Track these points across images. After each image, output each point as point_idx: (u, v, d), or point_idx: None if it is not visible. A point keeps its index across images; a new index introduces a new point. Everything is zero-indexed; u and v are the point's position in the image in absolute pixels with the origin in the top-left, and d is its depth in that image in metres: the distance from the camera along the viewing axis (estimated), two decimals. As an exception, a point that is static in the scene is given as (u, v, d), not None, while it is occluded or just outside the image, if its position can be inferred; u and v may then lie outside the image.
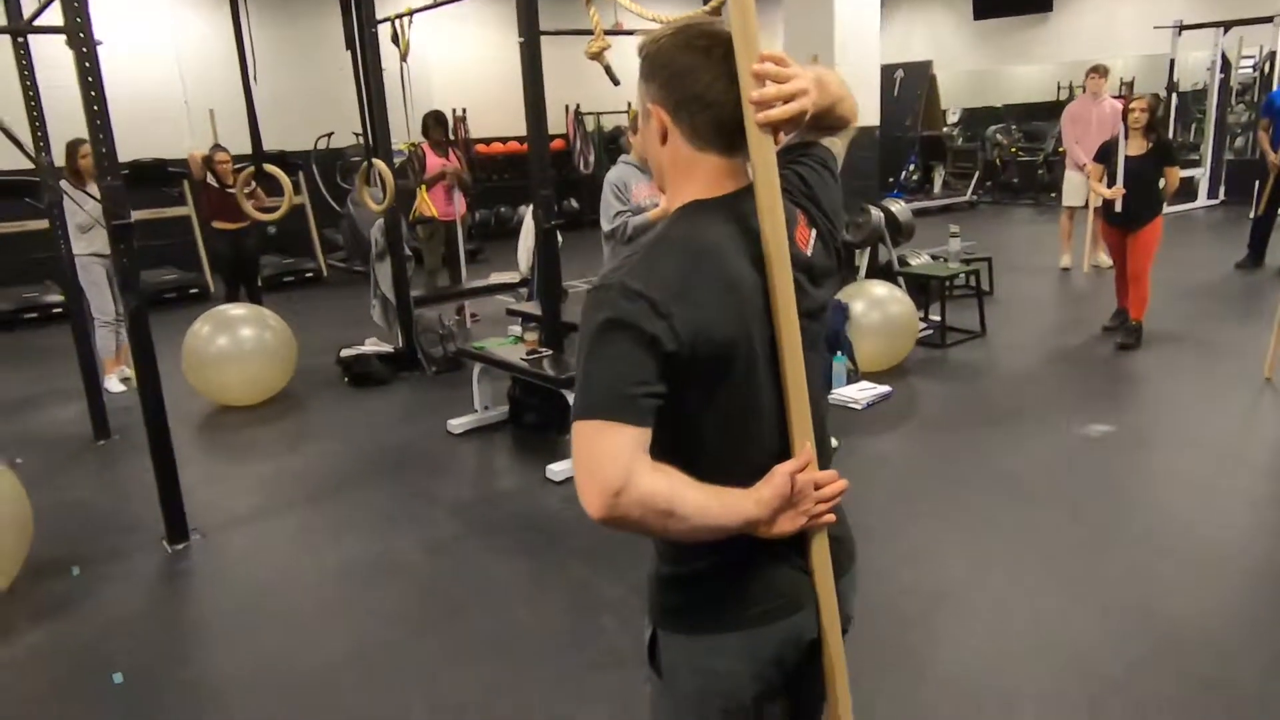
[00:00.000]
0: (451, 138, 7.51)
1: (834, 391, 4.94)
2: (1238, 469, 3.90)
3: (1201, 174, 11.36)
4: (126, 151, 3.53)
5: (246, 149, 5.18)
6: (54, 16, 3.42)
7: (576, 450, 1.10)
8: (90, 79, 3.21)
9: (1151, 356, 5.48)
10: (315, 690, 2.69)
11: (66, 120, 4.70)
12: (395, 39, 5.49)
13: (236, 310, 5.68)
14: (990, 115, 14.60)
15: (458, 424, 4.86)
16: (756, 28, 1.12)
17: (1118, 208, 5.61)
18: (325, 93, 9.71)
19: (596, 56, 4.35)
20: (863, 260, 6.46)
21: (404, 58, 5.52)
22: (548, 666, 2.73)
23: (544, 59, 4.44)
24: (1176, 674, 2.54)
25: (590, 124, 12.61)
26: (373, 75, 5.63)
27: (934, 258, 6.79)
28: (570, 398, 3.88)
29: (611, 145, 12.28)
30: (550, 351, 4.62)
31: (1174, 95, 10.93)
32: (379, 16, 5.67)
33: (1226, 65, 11.15)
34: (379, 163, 5.59)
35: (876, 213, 6.24)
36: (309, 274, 9.85)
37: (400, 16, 5.50)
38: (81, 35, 3.18)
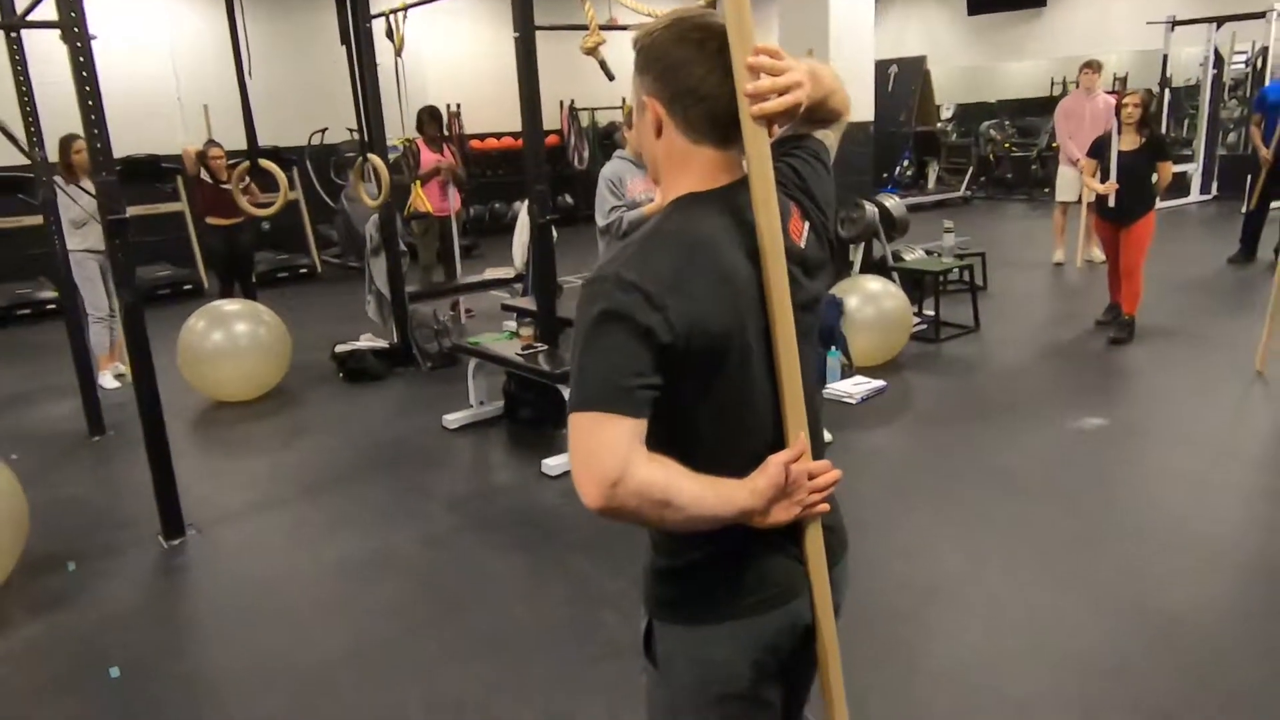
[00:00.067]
0: (446, 133, 7.50)
1: (828, 386, 4.96)
2: (1230, 462, 3.92)
3: (1194, 169, 11.39)
4: (120, 147, 3.53)
5: (240, 145, 5.17)
6: (48, 11, 3.41)
7: (573, 442, 1.11)
8: (85, 74, 3.21)
9: (1144, 350, 5.51)
10: (312, 685, 2.69)
11: (60, 116, 4.69)
12: (390, 34, 5.48)
13: (231, 306, 5.67)
14: (984, 111, 14.62)
15: (453, 419, 4.86)
16: (751, 21, 1.13)
17: (1111, 203, 5.64)
18: (319, 88, 9.70)
19: (592, 51, 4.36)
20: (857, 255, 6.47)
21: (399, 52, 5.51)
22: (546, 660, 2.74)
23: (538, 54, 4.43)
24: (1169, 667, 2.55)
25: (585, 119, 12.60)
26: (368, 70, 5.63)
27: (928, 253, 6.81)
28: (566, 392, 3.87)
29: (606, 141, 12.27)
30: (546, 346, 4.62)
31: (1167, 91, 10.95)
32: (373, 11, 5.66)
33: (1219, 61, 11.18)
34: (374, 158, 5.59)
35: (871, 208, 6.25)
36: (303, 270, 9.84)
37: (395, 11, 5.50)
38: (76, 30, 3.18)
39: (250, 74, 4.86)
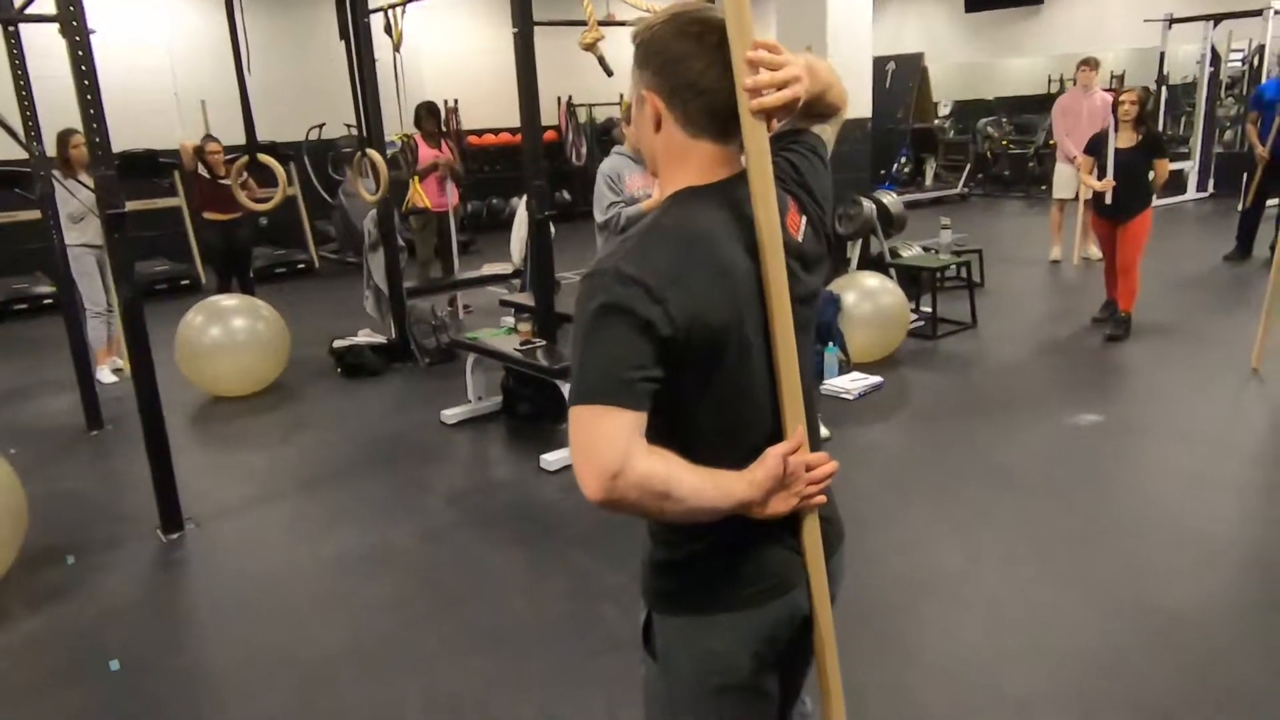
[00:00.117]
0: (444, 129, 7.50)
1: (826, 382, 4.97)
2: (1226, 458, 3.94)
3: (1191, 167, 11.42)
4: (117, 143, 3.52)
5: (237, 140, 5.17)
6: (46, 5, 3.41)
7: (574, 434, 1.12)
8: (84, 68, 3.20)
9: (1140, 347, 5.53)
10: (311, 679, 2.70)
11: (57, 111, 4.69)
12: (388, 29, 5.48)
13: (229, 301, 5.67)
14: (981, 108, 14.64)
15: (451, 414, 4.87)
16: (750, 16, 1.14)
17: (1108, 200, 5.65)
18: (316, 84, 9.68)
19: (590, 47, 4.37)
20: (854, 252, 6.48)
21: (397, 48, 5.51)
22: (545, 655, 2.74)
23: (536, 50, 4.44)
24: (1167, 664, 2.56)
25: (582, 116, 12.60)
26: (367, 65, 5.63)
27: (925, 249, 6.82)
28: (564, 388, 3.86)
29: (604, 137, 12.27)
30: (544, 342, 4.63)
31: (1164, 88, 10.98)
32: (372, 6, 5.66)
33: (1216, 58, 11.20)
34: (373, 152, 5.59)
35: (868, 205, 6.26)
36: (300, 265, 9.83)
37: (393, 6, 5.50)
38: (75, 24, 3.18)
39: (250, 69, 4.86)
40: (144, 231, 8.66)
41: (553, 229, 4.94)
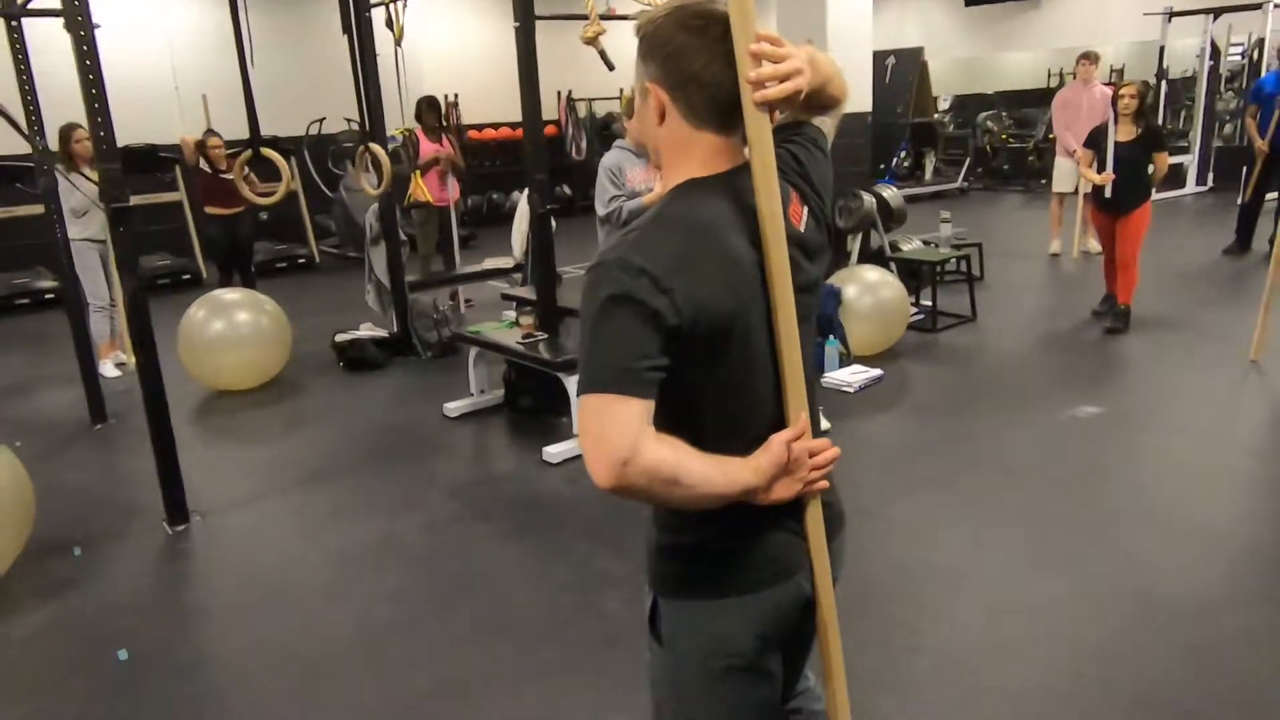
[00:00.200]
0: (444, 123, 7.50)
1: (827, 375, 4.99)
2: (1225, 450, 3.96)
3: (1190, 160, 11.43)
4: (118, 137, 3.53)
5: (236, 134, 5.18)
6: (48, 0, 3.43)
7: (584, 423, 1.14)
8: (88, 63, 3.22)
9: (1139, 340, 5.55)
10: (316, 668, 2.72)
11: (57, 106, 4.71)
12: (389, 23, 5.49)
13: (232, 295, 5.69)
14: (981, 102, 14.65)
15: (454, 407, 4.89)
16: (754, 8, 1.15)
17: (1107, 193, 5.66)
18: (316, 78, 9.67)
19: (592, 41, 4.38)
20: (855, 245, 6.49)
21: (398, 42, 5.52)
22: (549, 645, 2.76)
23: (536, 44, 4.45)
24: (1168, 654, 2.57)
25: (582, 110, 12.60)
26: (369, 60, 5.64)
27: (925, 243, 6.84)
28: (566, 380, 3.88)
29: (604, 131, 12.27)
30: (546, 335, 4.65)
31: (1163, 82, 10.98)
32: (373, 1, 5.67)
33: (1215, 52, 11.21)
34: (375, 146, 5.60)
35: (868, 198, 6.28)
36: (301, 260, 9.84)
37: (394, 0, 5.50)
38: (80, 19, 3.19)
39: (254, 62, 4.87)
40: (146, 226, 8.66)
41: (553, 223, 4.95)
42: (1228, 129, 12.25)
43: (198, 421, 5.08)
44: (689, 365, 1.18)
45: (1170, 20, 10.71)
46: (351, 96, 5.73)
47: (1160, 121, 10.74)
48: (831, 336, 5.11)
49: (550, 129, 12.01)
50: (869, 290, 5.38)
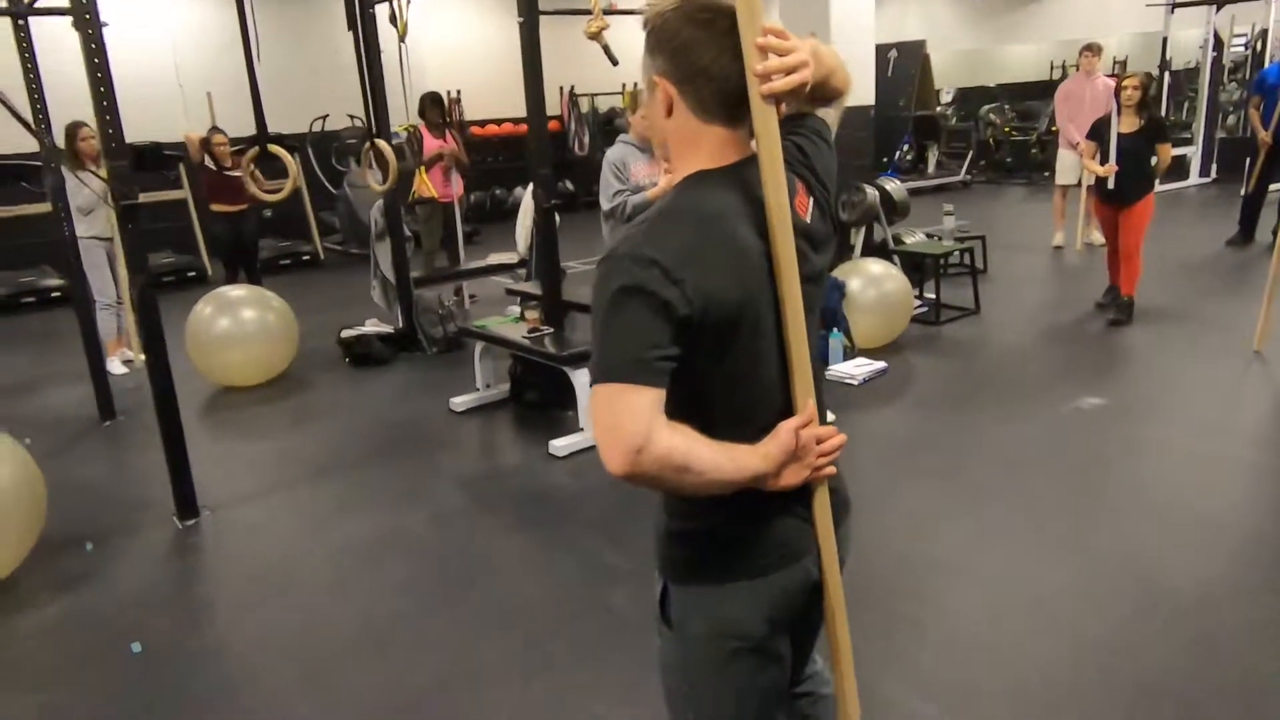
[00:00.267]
0: (447, 119, 7.52)
1: (831, 367, 5.01)
2: (1228, 440, 3.97)
3: (1193, 152, 11.42)
4: (125, 135, 3.56)
5: (241, 132, 5.20)
6: (54, -1, 3.45)
7: (597, 412, 1.16)
8: (96, 61, 3.24)
9: (1143, 331, 5.56)
10: (325, 660, 2.75)
11: (62, 105, 4.73)
12: (393, 19, 5.51)
13: (238, 291, 5.72)
14: (984, 95, 14.62)
15: (460, 402, 4.91)
16: (760, 2, 1.17)
17: (1110, 185, 5.67)
18: (319, 75, 9.70)
19: (595, 36, 4.39)
20: (858, 239, 6.51)
21: (402, 38, 5.53)
22: (556, 636, 2.79)
23: (540, 39, 4.46)
24: (1172, 644, 2.58)
25: (585, 105, 12.61)
26: (373, 56, 5.66)
27: (929, 236, 6.85)
28: (572, 374, 3.89)
29: (607, 127, 12.28)
30: (551, 329, 4.67)
31: (1166, 73, 10.95)
32: (377, -3, 5.69)
33: (1219, 43, 11.18)
34: (381, 143, 5.62)
35: (872, 192, 6.28)
36: (305, 257, 9.87)
37: (398, -4, 5.52)
38: (88, 17, 3.21)
39: (260, 58, 4.89)
40: (151, 224, 8.67)
41: (557, 218, 4.97)
42: (1231, 120, 12.22)
43: (205, 417, 5.11)
44: (699, 355, 1.20)
45: (1173, 11, 10.68)
46: (354, 93, 5.75)
47: (1163, 113, 10.72)
48: (836, 329, 5.13)
49: (553, 124, 12.02)
50: (873, 283, 5.39)
